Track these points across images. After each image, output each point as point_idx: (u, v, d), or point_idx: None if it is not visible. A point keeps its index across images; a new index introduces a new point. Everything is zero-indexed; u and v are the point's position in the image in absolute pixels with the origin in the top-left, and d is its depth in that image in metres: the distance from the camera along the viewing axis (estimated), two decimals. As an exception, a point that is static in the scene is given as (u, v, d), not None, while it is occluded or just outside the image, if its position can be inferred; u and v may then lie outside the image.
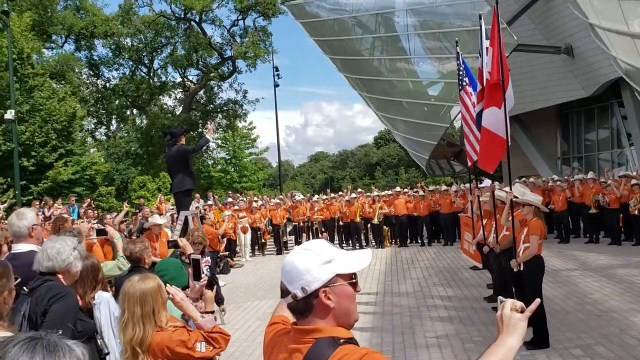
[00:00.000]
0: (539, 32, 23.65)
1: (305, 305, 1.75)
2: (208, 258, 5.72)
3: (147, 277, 3.12)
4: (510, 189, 7.12)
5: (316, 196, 21.21)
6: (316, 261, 1.75)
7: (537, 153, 25.90)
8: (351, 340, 1.73)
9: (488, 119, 7.07)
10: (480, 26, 7.79)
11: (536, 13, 23.33)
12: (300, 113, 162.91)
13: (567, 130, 27.24)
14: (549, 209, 15.54)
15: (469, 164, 10.12)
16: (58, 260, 3.32)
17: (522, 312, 1.77)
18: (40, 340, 1.22)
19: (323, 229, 18.43)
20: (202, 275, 3.89)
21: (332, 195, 20.16)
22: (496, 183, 13.87)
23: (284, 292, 1.79)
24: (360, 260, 1.83)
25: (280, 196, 22.71)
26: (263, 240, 18.47)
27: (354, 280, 1.79)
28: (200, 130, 41.14)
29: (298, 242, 17.55)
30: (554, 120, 27.19)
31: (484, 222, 8.92)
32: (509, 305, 1.77)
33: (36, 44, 29.87)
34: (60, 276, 3.35)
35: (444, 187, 19.29)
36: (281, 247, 18.06)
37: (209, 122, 40.20)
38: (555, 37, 22.91)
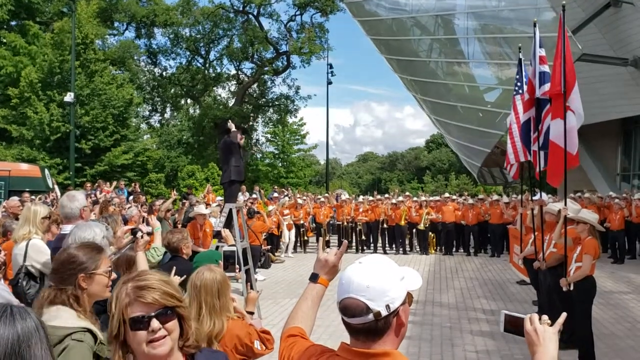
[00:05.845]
0: (606, 42, 22.65)
1: (384, 325, 1.64)
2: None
3: (211, 268, 3.10)
4: (565, 204, 6.82)
5: (362, 197, 20.99)
6: (396, 277, 1.67)
7: (596, 168, 24.87)
8: None
9: (553, 131, 6.80)
10: (535, 34, 7.49)
11: (604, 22, 22.33)
12: (350, 112, 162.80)
13: (630, 146, 26.02)
14: (605, 227, 14.92)
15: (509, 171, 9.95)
16: None
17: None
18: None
19: (366, 231, 18.25)
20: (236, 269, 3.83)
21: (379, 197, 19.82)
22: (548, 196, 13.36)
23: (354, 310, 1.63)
24: (418, 277, 1.77)
25: (326, 194, 22.62)
26: (306, 238, 18.43)
27: (413, 299, 1.75)
28: (251, 123, 41.58)
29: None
30: (616, 135, 25.98)
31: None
32: (536, 319, 1.79)
33: (100, 30, 30.74)
34: None
35: (495, 197, 18.78)
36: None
37: (255, 115, 40.65)
38: (623, 49, 21.89)
